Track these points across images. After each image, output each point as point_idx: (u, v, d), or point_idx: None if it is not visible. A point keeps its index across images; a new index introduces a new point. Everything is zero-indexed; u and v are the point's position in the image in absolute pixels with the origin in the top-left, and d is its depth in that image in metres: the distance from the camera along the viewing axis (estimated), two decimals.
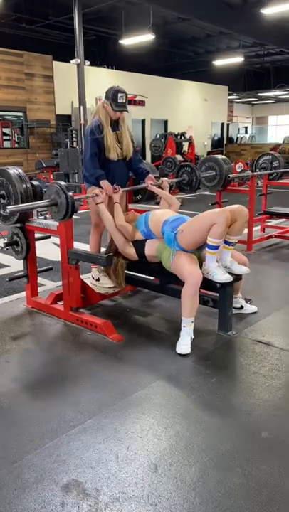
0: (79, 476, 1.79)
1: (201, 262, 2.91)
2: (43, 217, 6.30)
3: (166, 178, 3.80)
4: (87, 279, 3.77)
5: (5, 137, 13.57)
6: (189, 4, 11.76)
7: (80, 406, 2.25)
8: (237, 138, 23.77)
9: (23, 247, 3.31)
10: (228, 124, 22.54)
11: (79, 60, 11.22)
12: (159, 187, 3.68)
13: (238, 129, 24.88)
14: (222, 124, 21.79)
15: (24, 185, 3.13)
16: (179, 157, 12.22)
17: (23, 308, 3.57)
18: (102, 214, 3.28)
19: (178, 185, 4.55)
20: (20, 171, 3.22)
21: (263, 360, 2.71)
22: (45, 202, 3.03)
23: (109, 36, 15.18)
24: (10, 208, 2.93)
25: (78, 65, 11.29)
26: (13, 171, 3.18)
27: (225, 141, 22.05)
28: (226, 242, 2.88)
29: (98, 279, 3.71)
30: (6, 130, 13.56)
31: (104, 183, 3.43)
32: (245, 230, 5.34)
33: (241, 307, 3.30)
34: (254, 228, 5.49)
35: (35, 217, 3.47)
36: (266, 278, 4.44)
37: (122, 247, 3.19)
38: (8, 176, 3.16)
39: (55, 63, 13.60)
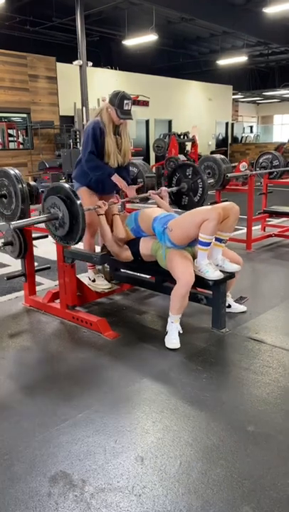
0: (67, 467, 1.84)
1: (194, 258, 2.94)
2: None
3: (164, 188, 3.67)
4: (86, 277, 3.82)
5: (10, 138, 13.68)
6: (191, 4, 11.78)
7: (72, 401, 2.30)
8: (242, 137, 23.72)
9: (17, 245, 3.36)
10: (232, 124, 22.50)
11: (81, 62, 11.30)
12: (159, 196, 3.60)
13: (243, 129, 24.82)
14: (226, 123, 21.78)
15: (20, 186, 3.19)
16: (182, 157, 12.25)
17: (22, 307, 3.63)
18: (101, 226, 3.23)
19: (173, 199, 3.93)
20: (17, 171, 3.28)
21: (255, 357, 2.74)
22: (43, 217, 2.94)
23: (113, 37, 15.26)
24: (14, 224, 2.95)
25: (81, 67, 11.36)
26: (13, 171, 3.25)
27: (229, 141, 22.03)
28: (217, 239, 2.91)
29: (94, 280, 3.75)
30: (11, 131, 13.66)
31: (116, 177, 3.40)
32: (245, 229, 5.38)
33: (229, 306, 3.31)
34: (254, 227, 5.52)
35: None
36: (263, 276, 4.47)
37: (117, 254, 3.24)
38: (8, 175, 3.23)
39: (59, 65, 13.67)
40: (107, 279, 3.76)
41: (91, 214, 3.52)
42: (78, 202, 2.78)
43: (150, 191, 3.67)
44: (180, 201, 4.02)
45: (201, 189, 3.84)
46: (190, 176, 3.90)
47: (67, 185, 2.86)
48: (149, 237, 3.12)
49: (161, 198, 3.57)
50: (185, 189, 3.91)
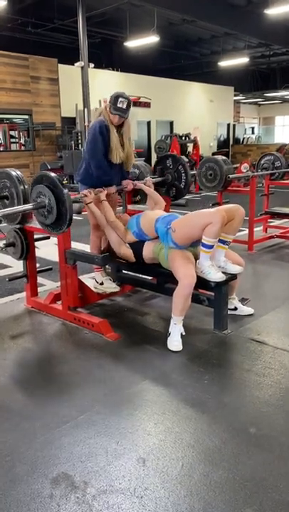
0: (68, 469, 1.84)
1: (196, 258, 2.94)
2: None
3: (149, 178, 3.75)
4: (89, 279, 3.82)
5: (12, 140, 13.71)
6: (193, 5, 11.79)
7: (74, 402, 2.30)
8: (243, 138, 23.71)
9: (19, 247, 3.36)
10: (234, 125, 22.51)
11: (83, 63, 11.30)
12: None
13: (245, 130, 24.82)
14: (228, 124, 21.78)
15: (22, 187, 3.20)
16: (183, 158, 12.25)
17: (23, 308, 3.63)
18: (94, 213, 3.30)
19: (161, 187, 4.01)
20: (19, 172, 3.29)
21: (257, 359, 2.73)
22: (30, 205, 2.98)
23: (114, 38, 15.26)
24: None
25: (82, 68, 11.37)
26: (15, 172, 3.25)
27: (231, 142, 22.03)
28: (220, 241, 2.91)
29: (102, 283, 3.69)
30: (13, 133, 13.69)
31: (111, 188, 3.47)
32: (247, 231, 5.38)
33: (235, 308, 3.31)
34: (256, 229, 5.51)
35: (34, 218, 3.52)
36: (265, 278, 4.46)
37: (117, 247, 3.22)
38: (10, 177, 3.23)
39: (61, 66, 13.69)
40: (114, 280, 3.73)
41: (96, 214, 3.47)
42: (65, 190, 2.84)
43: (136, 182, 3.71)
44: (168, 193, 4.08)
45: (184, 174, 3.92)
46: (171, 166, 3.99)
47: (51, 174, 2.92)
48: (152, 240, 3.11)
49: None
50: (170, 180, 4.00)
